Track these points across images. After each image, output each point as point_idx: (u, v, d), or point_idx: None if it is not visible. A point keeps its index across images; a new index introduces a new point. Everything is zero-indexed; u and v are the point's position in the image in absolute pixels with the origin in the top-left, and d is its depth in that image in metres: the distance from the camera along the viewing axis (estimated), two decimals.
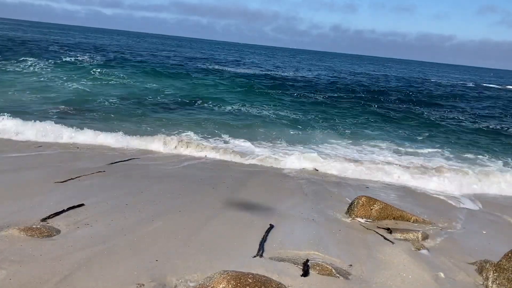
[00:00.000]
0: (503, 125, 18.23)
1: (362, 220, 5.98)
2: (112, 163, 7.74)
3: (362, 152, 11.05)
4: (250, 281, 3.51)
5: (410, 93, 27.55)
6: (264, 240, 4.97)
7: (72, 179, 6.54)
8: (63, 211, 5.19)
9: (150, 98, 16.62)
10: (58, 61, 24.13)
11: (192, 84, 21.68)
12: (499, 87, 46.71)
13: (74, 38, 58.57)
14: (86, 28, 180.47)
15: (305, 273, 4.17)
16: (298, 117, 15.46)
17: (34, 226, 4.61)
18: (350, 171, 8.96)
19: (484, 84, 49.27)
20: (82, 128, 10.07)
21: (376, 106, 20.10)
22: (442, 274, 4.46)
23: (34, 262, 3.87)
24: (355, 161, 9.70)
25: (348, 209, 6.24)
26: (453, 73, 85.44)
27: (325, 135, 12.69)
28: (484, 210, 7.31)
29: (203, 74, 26.20)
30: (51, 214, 5.04)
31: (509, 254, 4.32)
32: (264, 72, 33.29)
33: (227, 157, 9.29)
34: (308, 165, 9.10)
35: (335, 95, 22.97)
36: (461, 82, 48.12)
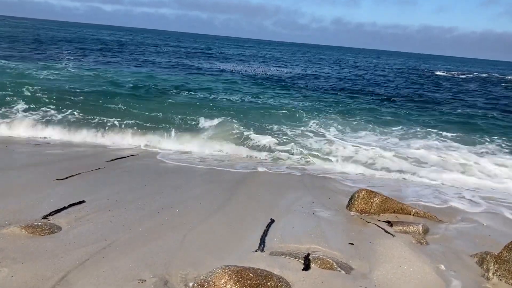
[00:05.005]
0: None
1: (363, 214, 5.99)
2: (112, 160, 7.75)
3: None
4: (252, 275, 3.52)
5: None
6: (265, 234, 4.98)
7: (72, 176, 6.54)
8: (64, 208, 5.20)
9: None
10: (58, 58, 24.07)
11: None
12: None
13: (76, 33, 58.43)
14: (86, 25, 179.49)
15: (306, 267, 4.18)
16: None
17: (35, 223, 4.62)
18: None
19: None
20: (81, 125, 10.05)
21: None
22: (442, 266, 4.47)
23: (35, 260, 3.88)
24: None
25: (348, 202, 6.24)
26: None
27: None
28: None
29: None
30: (52, 211, 5.05)
31: (510, 246, 4.33)
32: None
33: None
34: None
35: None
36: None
